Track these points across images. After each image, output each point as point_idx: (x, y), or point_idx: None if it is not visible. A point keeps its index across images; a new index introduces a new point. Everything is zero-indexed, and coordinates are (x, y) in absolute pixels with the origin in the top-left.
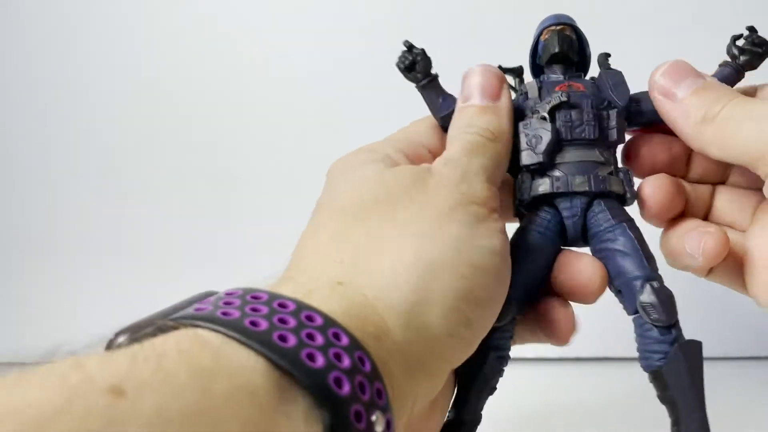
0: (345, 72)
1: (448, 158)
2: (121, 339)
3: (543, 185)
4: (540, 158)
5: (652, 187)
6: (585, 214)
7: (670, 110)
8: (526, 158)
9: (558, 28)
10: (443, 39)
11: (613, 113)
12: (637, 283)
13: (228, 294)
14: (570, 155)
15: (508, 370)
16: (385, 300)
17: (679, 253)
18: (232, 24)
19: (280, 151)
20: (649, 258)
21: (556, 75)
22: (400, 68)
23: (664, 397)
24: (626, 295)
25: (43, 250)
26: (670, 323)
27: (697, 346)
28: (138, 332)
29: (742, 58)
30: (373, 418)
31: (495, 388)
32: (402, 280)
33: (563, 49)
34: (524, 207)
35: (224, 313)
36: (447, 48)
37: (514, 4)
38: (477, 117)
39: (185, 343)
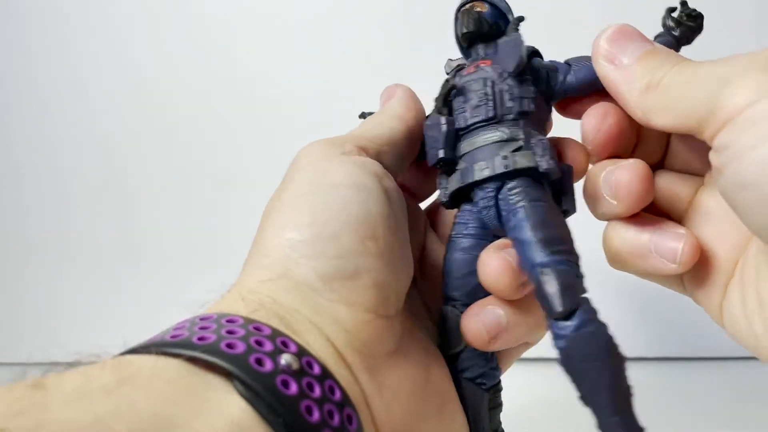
0: (345, 72)
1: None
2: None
3: (453, 182)
4: (440, 155)
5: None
6: (497, 201)
7: (614, 78)
8: (430, 159)
9: (467, 6)
10: (443, 39)
11: (513, 82)
12: (533, 274)
13: (202, 319)
14: (470, 143)
15: (510, 370)
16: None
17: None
18: (232, 24)
19: (282, 150)
20: (550, 240)
21: (475, 57)
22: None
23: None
24: (543, 304)
25: (43, 250)
26: (565, 313)
27: (599, 333)
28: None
29: (678, 30)
30: (283, 361)
31: (499, 405)
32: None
33: (470, 28)
34: (452, 208)
35: (173, 336)
36: (448, 48)
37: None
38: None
39: (112, 360)
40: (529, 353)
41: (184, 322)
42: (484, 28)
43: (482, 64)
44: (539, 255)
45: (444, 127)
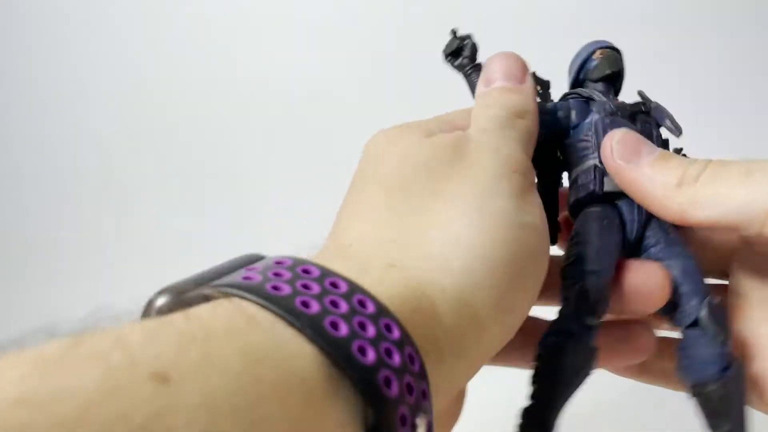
0: (345, 72)
1: (482, 128)
2: (161, 301)
3: (611, 183)
4: None
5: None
6: (646, 221)
7: (635, 177)
8: None
9: (612, 51)
10: (443, 41)
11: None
12: (698, 297)
13: (277, 263)
14: None
15: (507, 369)
16: (437, 285)
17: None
18: (232, 24)
19: (281, 150)
20: (703, 278)
21: (602, 92)
22: (445, 54)
23: (714, 410)
24: (684, 308)
25: (43, 249)
26: (727, 339)
27: (742, 364)
28: (180, 295)
29: None
30: (417, 421)
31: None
32: (453, 263)
33: (618, 71)
34: (581, 204)
35: (274, 287)
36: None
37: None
38: (501, 96)
39: (234, 320)
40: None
41: (337, 297)
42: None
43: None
44: (703, 285)
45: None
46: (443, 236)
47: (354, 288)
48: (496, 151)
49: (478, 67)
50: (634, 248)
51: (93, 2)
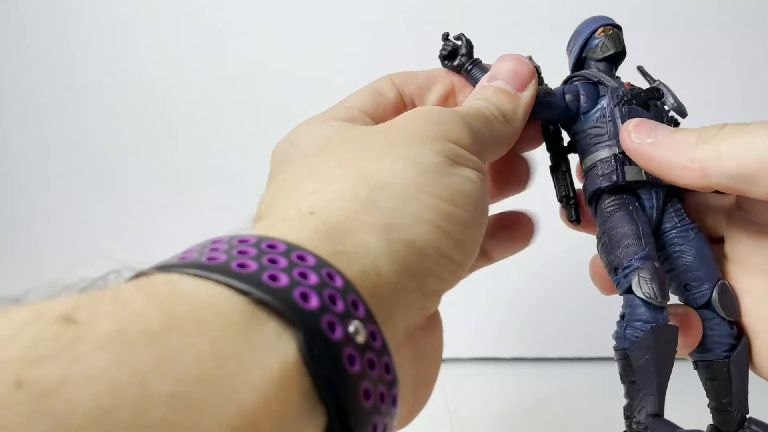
0: (345, 71)
1: (454, 110)
2: (113, 278)
3: (632, 172)
4: None
5: None
6: (663, 207)
7: (655, 151)
8: None
9: (614, 29)
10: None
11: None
12: (710, 281)
13: (192, 247)
14: None
15: (506, 369)
16: (364, 221)
17: None
18: (230, 22)
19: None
20: (715, 262)
21: (605, 71)
22: (441, 58)
23: (718, 386)
24: (695, 290)
25: (43, 249)
26: (736, 319)
27: (747, 342)
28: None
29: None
30: (351, 328)
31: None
32: (380, 202)
33: (622, 49)
34: (601, 192)
35: (182, 258)
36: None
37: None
38: (494, 95)
39: (142, 281)
40: (529, 353)
41: (247, 247)
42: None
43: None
44: (716, 269)
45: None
46: (368, 180)
47: (261, 238)
48: (436, 121)
49: (476, 62)
50: (653, 233)
51: (92, 1)
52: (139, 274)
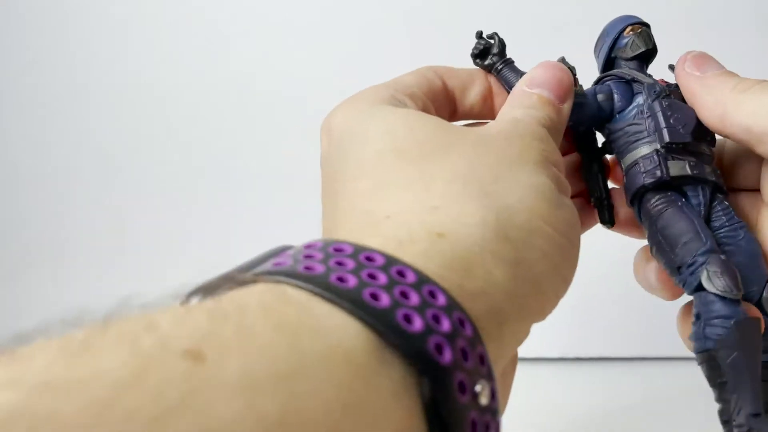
0: (345, 72)
1: (515, 119)
2: (195, 300)
3: (677, 167)
4: (688, 138)
5: None
6: (710, 204)
7: (698, 85)
8: (672, 136)
9: (644, 27)
10: (443, 38)
11: None
12: (760, 281)
13: (307, 247)
14: (697, 145)
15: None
16: (493, 251)
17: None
18: (230, 22)
19: (280, 150)
20: (764, 260)
21: (636, 70)
22: (473, 56)
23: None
24: (746, 292)
25: (43, 249)
26: None
27: (754, 323)
28: (213, 291)
29: None
30: (478, 388)
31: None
32: (509, 231)
33: (651, 47)
34: (644, 191)
35: (307, 268)
36: (447, 47)
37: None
38: (541, 104)
39: (268, 297)
40: (529, 353)
41: (377, 271)
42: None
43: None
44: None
45: (695, 117)
46: (496, 203)
47: (390, 260)
48: (540, 143)
49: (508, 62)
50: None
51: (93, 2)
52: (262, 276)
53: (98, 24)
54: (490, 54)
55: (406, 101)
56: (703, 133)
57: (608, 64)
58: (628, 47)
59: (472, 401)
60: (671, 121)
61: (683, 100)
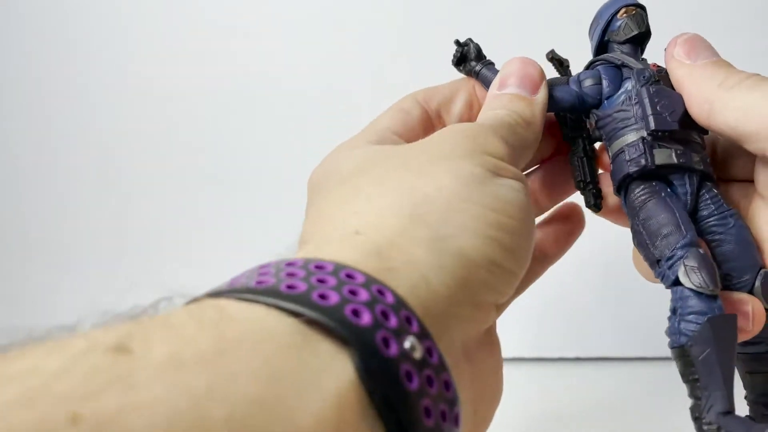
0: (345, 72)
1: (480, 123)
2: (164, 305)
3: (662, 155)
4: (674, 126)
5: None
6: (698, 193)
7: (686, 73)
8: (659, 123)
9: (637, 9)
10: (445, 36)
11: None
12: (752, 271)
13: (241, 273)
14: (685, 132)
15: (507, 369)
16: (412, 236)
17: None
18: (231, 23)
19: (281, 150)
20: (756, 247)
21: (629, 54)
22: (453, 64)
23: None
24: (736, 280)
25: (43, 248)
26: None
27: (729, 320)
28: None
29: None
30: (407, 344)
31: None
32: (426, 216)
33: (647, 29)
34: (630, 180)
35: (231, 284)
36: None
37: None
38: (511, 102)
39: (191, 305)
40: (529, 353)
41: (294, 269)
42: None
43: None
44: (757, 257)
45: (683, 105)
46: (411, 196)
47: (309, 260)
48: (471, 137)
49: (487, 64)
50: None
51: (94, 2)
52: (190, 301)
53: (99, 23)
54: (468, 60)
55: (391, 136)
56: (692, 121)
57: (601, 47)
58: (621, 30)
59: (401, 356)
60: (658, 108)
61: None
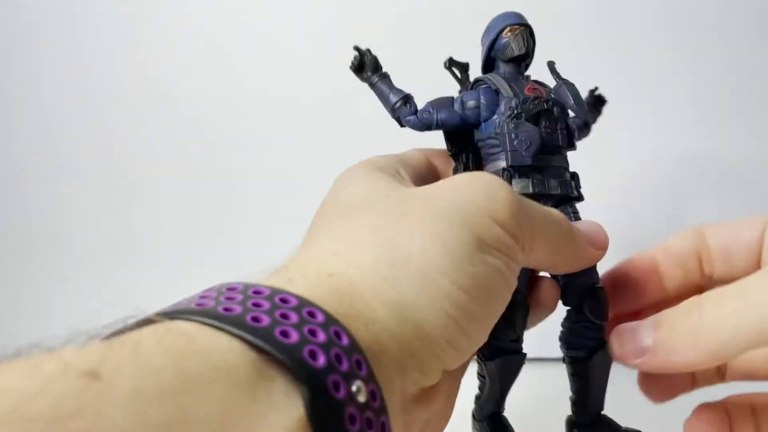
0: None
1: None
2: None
3: (520, 185)
4: (529, 161)
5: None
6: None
7: (656, 361)
8: (515, 159)
9: (521, 28)
10: (445, 39)
11: (569, 121)
12: (585, 285)
13: (206, 290)
14: (545, 159)
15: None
16: (379, 295)
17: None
18: (233, 23)
19: (281, 150)
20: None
21: (512, 72)
22: (352, 70)
23: (585, 382)
24: (572, 293)
25: (43, 248)
26: (604, 322)
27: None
28: (123, 330)
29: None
30: (354, 387)
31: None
32: (399, 279)
33: (526, 51)
34: None
35: (199, 304)
36: (449, 49)
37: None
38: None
39: (161, 330)
40: (529, 353)
41: (261, 300)
42: (531, 56)
43: (539, 90)
44: (595, 276)
45: (539, 140)
46: (389, 251)
47: (275, 291)
48: (488, 194)
49: (383, 76)
50: None
51: (95, 2)
52: (161, 316)
53: (101, 23)
54: (365, 68)
55: (400, 170)
56: (555, 145)
57: (488, 63)
58: (505, 49)
59: (348, 399)
60: (515, 143)
61: (536, 119)
